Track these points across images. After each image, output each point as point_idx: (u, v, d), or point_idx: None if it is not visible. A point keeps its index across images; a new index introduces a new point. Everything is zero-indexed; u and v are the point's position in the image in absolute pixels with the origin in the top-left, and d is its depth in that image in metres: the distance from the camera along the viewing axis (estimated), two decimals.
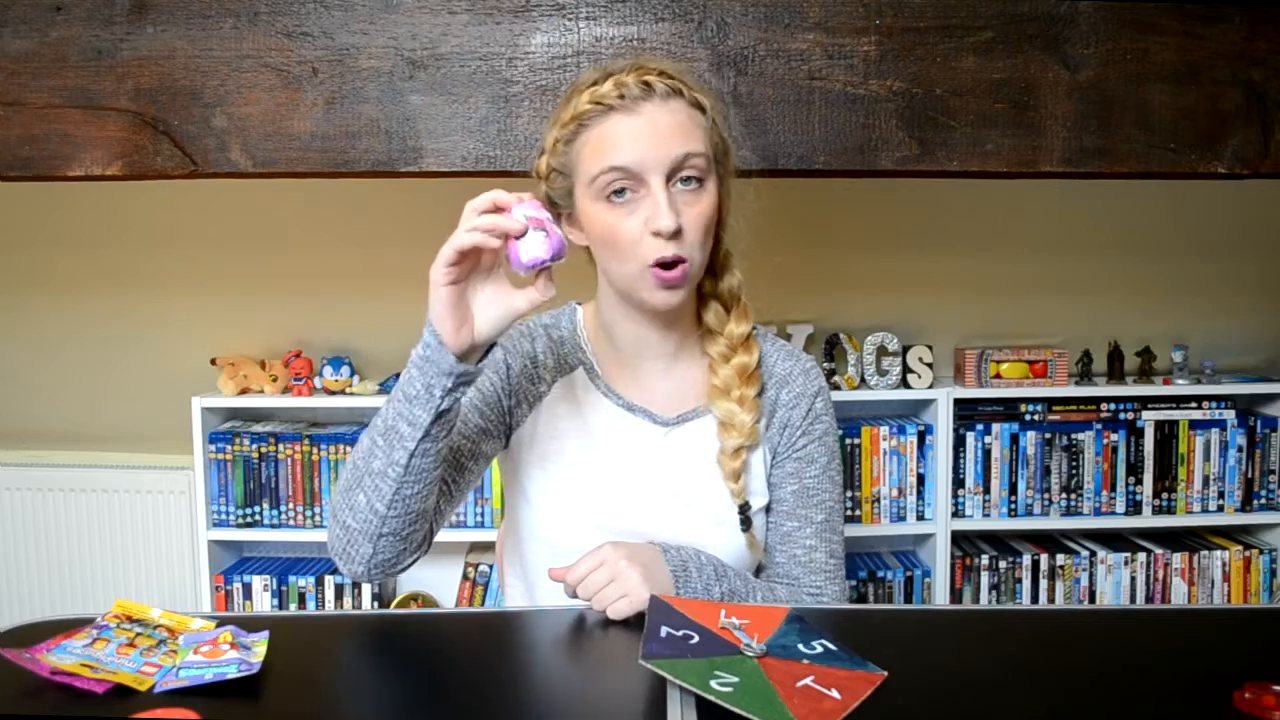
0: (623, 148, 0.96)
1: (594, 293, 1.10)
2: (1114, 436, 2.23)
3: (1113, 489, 2.25)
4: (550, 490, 1.06)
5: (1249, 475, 2.25)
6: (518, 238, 0.87)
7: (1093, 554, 2.24)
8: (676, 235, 0.95)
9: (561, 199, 1.04)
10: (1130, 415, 2.24)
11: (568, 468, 1.06)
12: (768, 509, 1.09)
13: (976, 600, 2.24)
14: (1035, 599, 2.24)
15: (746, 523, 1.04)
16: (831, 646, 0.81)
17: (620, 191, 0.96)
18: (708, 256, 1.02)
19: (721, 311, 1.07)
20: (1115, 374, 2.29)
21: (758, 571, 1.10)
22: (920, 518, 2.22)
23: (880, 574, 2.22)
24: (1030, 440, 2.23)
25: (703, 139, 0.98)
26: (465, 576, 2.24)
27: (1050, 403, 2.24)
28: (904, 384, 2.22)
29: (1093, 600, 2.25)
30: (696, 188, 0.97)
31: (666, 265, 0.96)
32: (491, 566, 2.22)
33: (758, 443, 1.07)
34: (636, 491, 1.05)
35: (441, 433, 0.91)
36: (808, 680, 0.73)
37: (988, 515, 2.23)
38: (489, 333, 0.91)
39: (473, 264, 0.89)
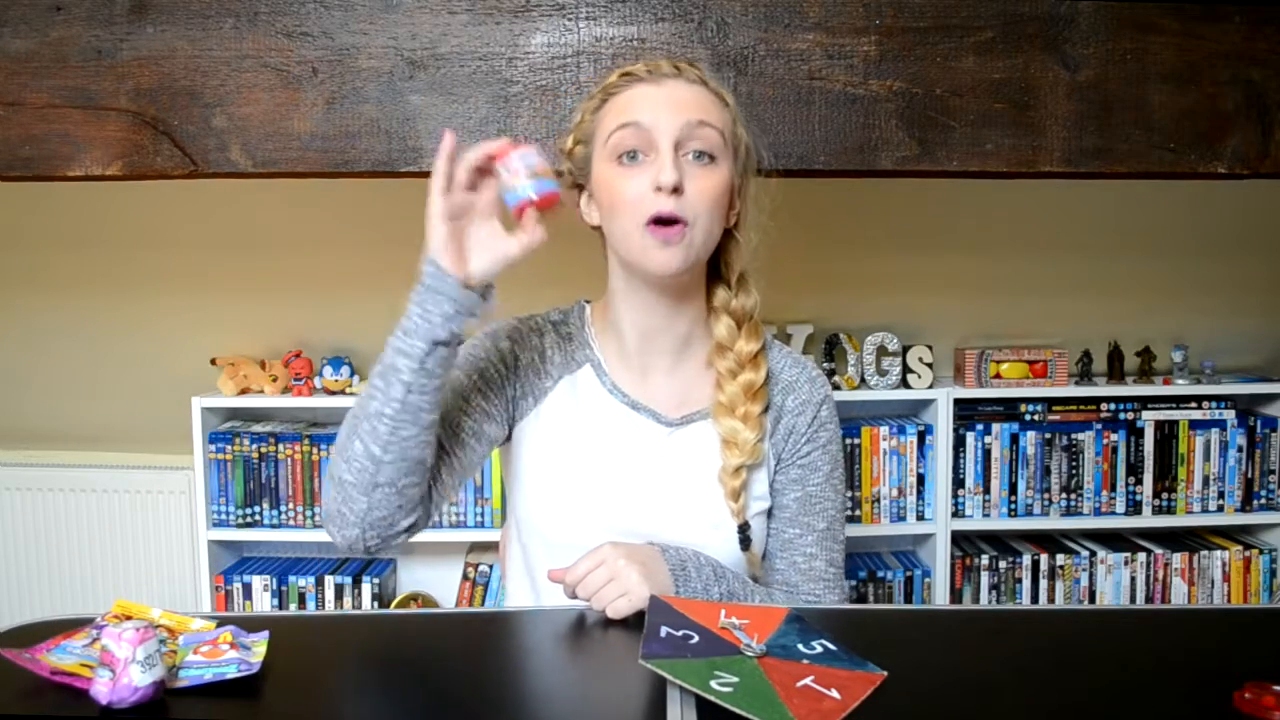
0: (640, 108, 1.00)
1: (603, 290, 1.11)
2: (1114, 436, 2.24)
3: (1113, 489, 2.25)
4: (552, 487, 1.06)
5: (1249, 475, 2.25)
6: (495, 156, 0.91)
7: (1093, 554, 2.24)
8: (677, 193, 0.96)
9: (580, 169, 1.06)
10: (1130, 415, 2.24)
11: (571, 465, 1.06)
12: (770, 514, 1.09)
13: (976, 600, 2.24)
14: (1035, 599, 2.24)
15: (746, 542, 1.04)
16: (831, 646, 0.81)
17: (633, 155, 0.99)
18: (715, 233, 1.02)
19: (732, 326, 1.07)
20: (1115, 374, 2.29)
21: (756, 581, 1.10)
22: (920, 518, 2.22)
23: (880, 574, 2.22)
24: (1030, 440, 2.23)
25: (721, 119, 1.01)
26: (465, 576, 2.24)
27: (1050, 403, 2.24)
28: (904, 384, 2.22)
29: (1093, 600, 2.25)
30: (708, 163, 0.99)
31: (663, 223, 0.97)
32: (492, 566, 2.22)
33: (760, 461, 1.06)
34: (638, 491, 1.05)
35: (438, 368, 0.93)
36: (808, 680, 0.73)
37: (988, 515, 2.23)
38: (484, 273, 0.94)
39: (467, 204, 0.93)
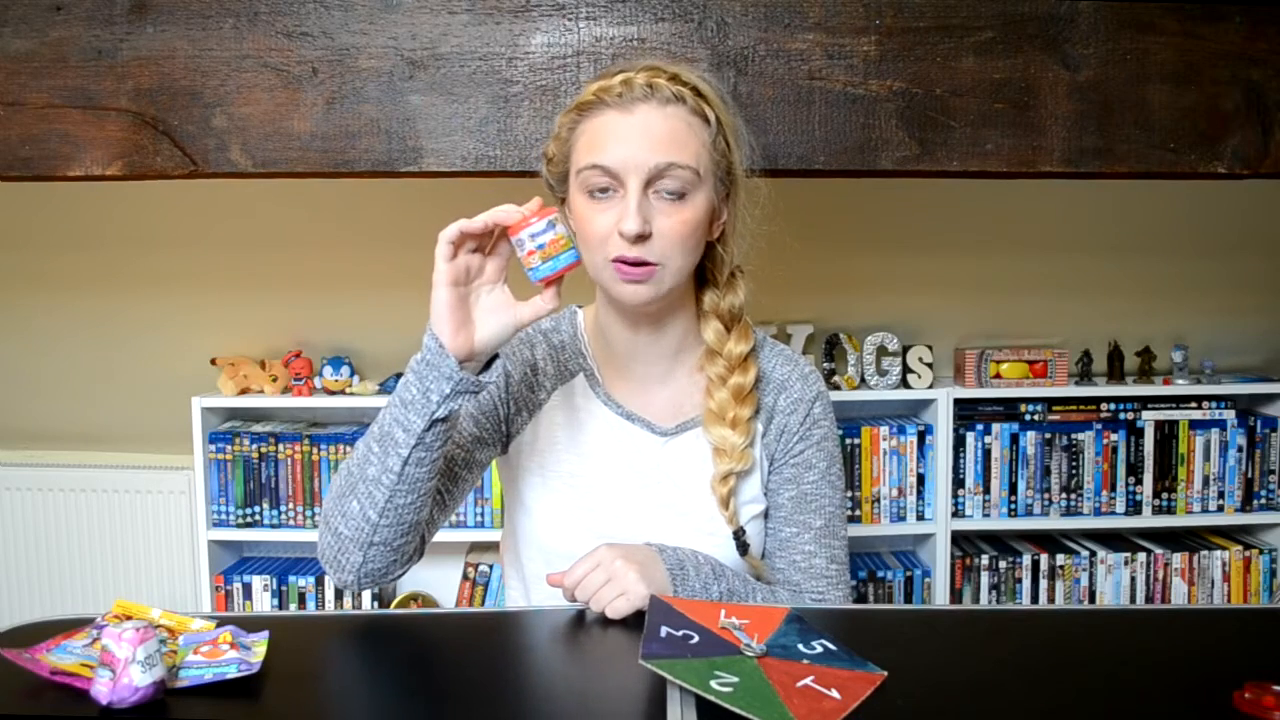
0: (608, 147, 0.96)
1: (594, 295, 1.10)
2: (1114, 436, 2.23)
3: (1113, 489, 2.25)
4: (548, 498, 1.06)
5: (1249, 475, 2.25)
6: (509, 230, 0.90)
7: (1093, 554, 2.24)
8: (642, 240, 0.95)
9: (558, 184, 1.05)
10: (1130, 415, 2.24)
11: (566, 476, 1.06)
12: (766, 515, 1.09)
13: (976, 600, 2.23)
14: (1035, 599, 2.24)
15: (744, 547, 1.04)
16: (831, 646, 0.81)
17: (604, 189, 0.97)
18: (689, 264, 1.01)
19: (722, 330, 1.06)
20: (1115, 374, 2.29)
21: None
22: (920, 518, 2.22)
23: (880, 574, 2.22)
24: (1030, 440, 2.23)
25: (695, 151, 0.97)
26: (465, 576, 2.24)
27: (1050, 403, 2.24)
28: (904, 384, 2.22)
29: (1093, 600, 2.25)
30: (679, 200, 0.97)
31: (629, 262, 0.96)
32: (492, 566, 2.22)
33: (751, 468, 1.06)
34: (634, 501, 1.05)
35: (437, 441, 0.91)
36: (808, 680, 0.73)
37: (988, 515, 2.23)
38: (490, 341, 0.92)
39: (472, 270, 0.91)
